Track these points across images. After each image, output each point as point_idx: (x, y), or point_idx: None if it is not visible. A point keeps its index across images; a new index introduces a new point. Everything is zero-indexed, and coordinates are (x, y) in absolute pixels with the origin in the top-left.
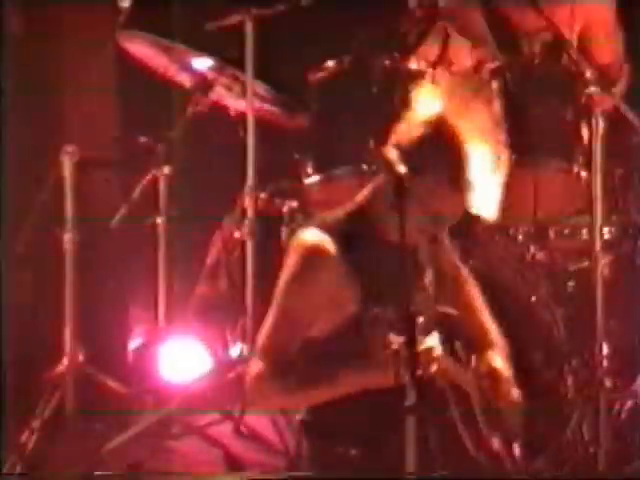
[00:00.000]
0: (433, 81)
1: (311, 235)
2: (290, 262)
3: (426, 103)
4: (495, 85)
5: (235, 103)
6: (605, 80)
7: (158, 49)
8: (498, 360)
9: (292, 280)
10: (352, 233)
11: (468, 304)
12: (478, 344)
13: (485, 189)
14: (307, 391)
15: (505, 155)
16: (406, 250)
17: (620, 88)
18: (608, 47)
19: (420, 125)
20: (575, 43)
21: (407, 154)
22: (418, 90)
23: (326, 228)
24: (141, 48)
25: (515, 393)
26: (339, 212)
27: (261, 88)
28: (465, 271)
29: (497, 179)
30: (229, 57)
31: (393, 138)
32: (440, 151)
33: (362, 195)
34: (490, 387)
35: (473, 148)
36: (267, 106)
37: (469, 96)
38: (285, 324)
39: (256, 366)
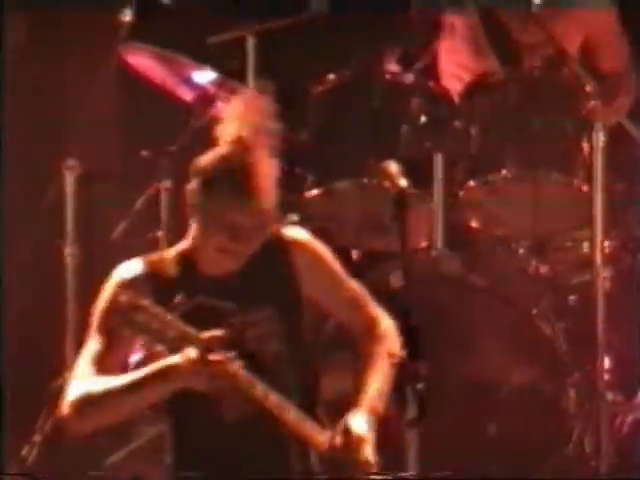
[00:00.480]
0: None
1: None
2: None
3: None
4: None
5: None
6: (607, 93)
7: (160, 61)
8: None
9: None
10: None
11: None
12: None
13: None
14: None
15: None
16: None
17: (623, 101)
18: (612, 55)
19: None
20: (578, 54)
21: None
22: None
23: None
24: (143, 60)
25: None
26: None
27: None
28: None
29: None
30: (230, 69)
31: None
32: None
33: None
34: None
35: None
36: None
37: None
38: None
39: None
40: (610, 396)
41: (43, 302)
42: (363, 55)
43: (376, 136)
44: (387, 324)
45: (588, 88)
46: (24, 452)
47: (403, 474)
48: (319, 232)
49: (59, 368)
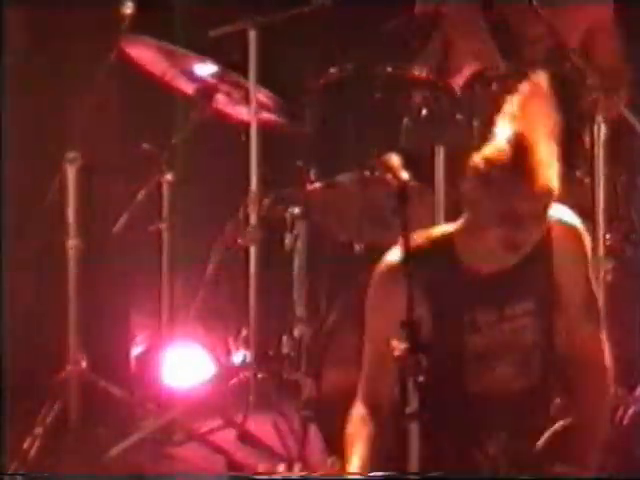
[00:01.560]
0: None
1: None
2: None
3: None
4: None
5: (237, 110)
6: (608, 86)
7: (161, 53)
8: None
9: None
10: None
11: None
12: None
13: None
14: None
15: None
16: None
17: (623, 93)
18: (612, 47)
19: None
20: (579, 47)
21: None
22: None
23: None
24: (144, 52)
25: None
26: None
27: (264, 95)
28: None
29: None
30: (231, 62)
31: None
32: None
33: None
34: None
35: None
36: (267, 114)
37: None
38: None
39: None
40: (612, 389)
41: (45, 295)
42: (365, 48)
43: (377, 129)
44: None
45: (589, 81)
46: (25, 445)
47: (403, 474)
48: (320, 225)
49: (61, 362)
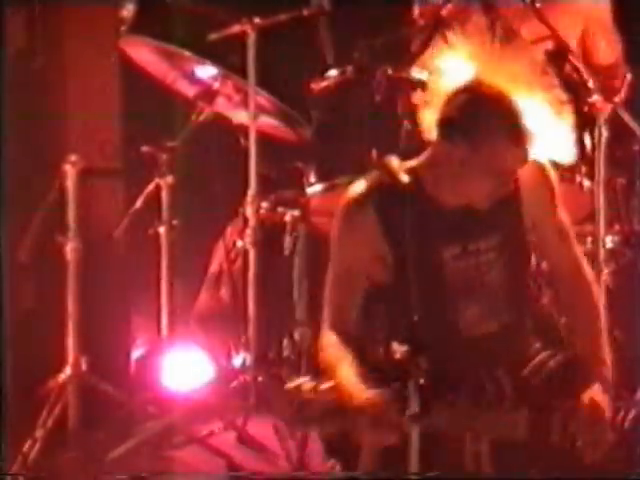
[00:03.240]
0: (449, 44)
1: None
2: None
3: (455, 69)
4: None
5: (237, 113)
6: (607, 88)
7: (161, 55)
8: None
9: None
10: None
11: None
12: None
13: (551, 134)
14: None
15: (564, 96)
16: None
17: (622, 96)
18: (609, 48)
19: (459, 92)
20: (576, 48)
21: (453, 124)
22: (443, 58)
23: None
24: (144, 54)
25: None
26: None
27: (263, 98)
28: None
29: (563, 122)
30: (231, 64)
31: (433, 111)
32: (487, 112)
33: (418, 160)
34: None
35: (521, 96)
36: (267, 119)
37: (498, 46)
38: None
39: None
40: (612, 392)
41: (44, 298)
42: (365, 50)
43: (377, 131)
44: (589, 271)
45: (590, 83)
46: (25, 448)
47: (403, 474)
48: (320, 228)
49: (61, 364)
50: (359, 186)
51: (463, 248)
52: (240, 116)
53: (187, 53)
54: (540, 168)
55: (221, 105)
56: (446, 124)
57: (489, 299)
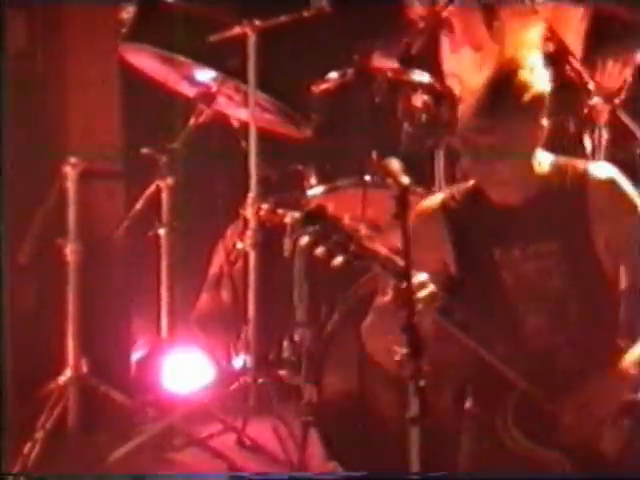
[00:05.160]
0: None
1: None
2: None
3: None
4: None
5: (237, 114)
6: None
7: (160, 61)
8: None
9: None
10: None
11: None
12: None
13: None
14: None
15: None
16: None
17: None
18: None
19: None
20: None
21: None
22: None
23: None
24: (144, 60)
25: None
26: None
27: (263, 100)
28: None
29: None
30: (231, 66)
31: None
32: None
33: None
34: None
35: None
36: (269, 116)
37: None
38: None
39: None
40: None
41: (45, 300)
42: (365, 52)
43: (378, 133)
44: None
45: (590, 85)
46: (26, 450)
47: (403, 474)
48: None
49: (61, 366)
50: (430, 200)
51: (523, 251)
52: (241, 114)
53: (186, 60)
54: (607, 183)
55: (222, 104)
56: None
57: (553, 308)
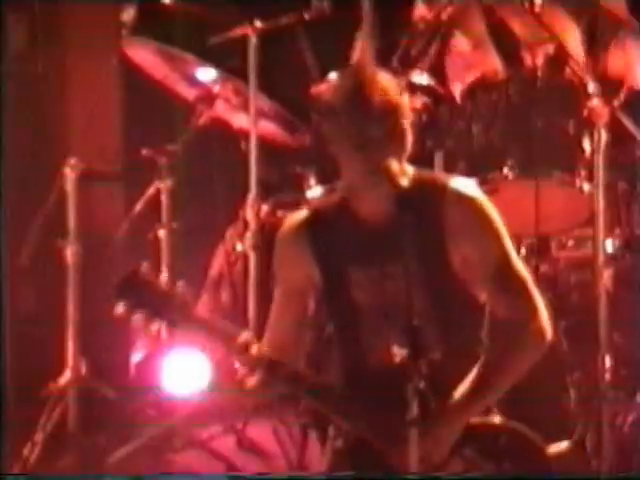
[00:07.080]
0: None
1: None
2: None
3: None
4: None
5: (236, 117)
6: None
7: (162, 57)
8: None
9: None
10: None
11: None
12: None
13: None
14: None
15: None
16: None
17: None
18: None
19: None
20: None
21: None
22: None
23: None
24: (145, 55)
25: None
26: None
27: (264, 102)
28: None
29: None
30: (231, 67)
31: None
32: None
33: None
34: None
35: None
36: (266, 123)
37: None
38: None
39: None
40: (611, 395)
41: (44, 301)
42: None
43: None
44: (539, 328)
45: (590, 87)
46: (25, 451)
47: (403, 474)
48: None
49: (61, 368)
50: (293, 217)
51: (381, 270)
52: (240, 120)
53: (188, 56)
54: (469, 200)
55: (221, 108)
56: None
57: (412, 330)
